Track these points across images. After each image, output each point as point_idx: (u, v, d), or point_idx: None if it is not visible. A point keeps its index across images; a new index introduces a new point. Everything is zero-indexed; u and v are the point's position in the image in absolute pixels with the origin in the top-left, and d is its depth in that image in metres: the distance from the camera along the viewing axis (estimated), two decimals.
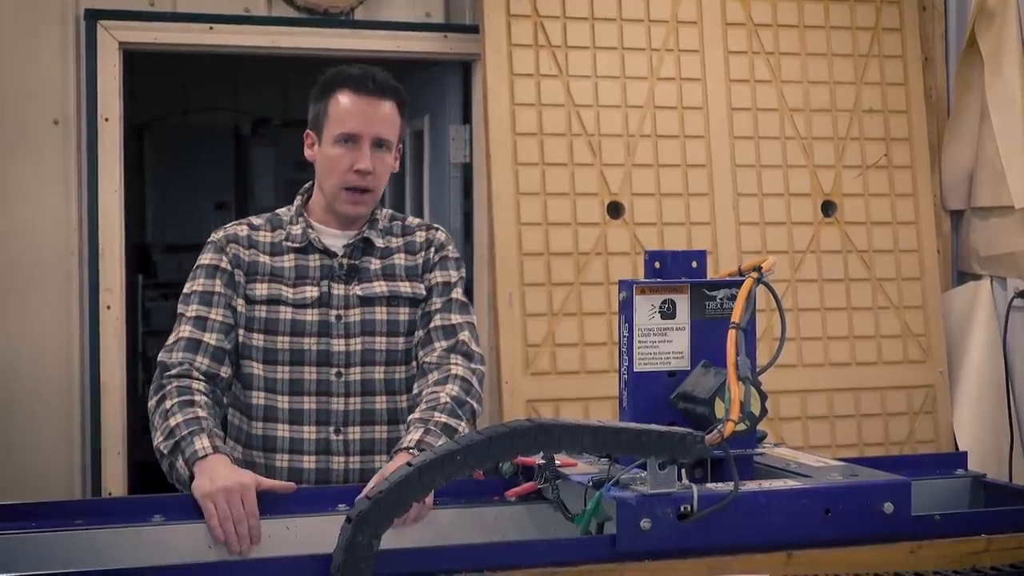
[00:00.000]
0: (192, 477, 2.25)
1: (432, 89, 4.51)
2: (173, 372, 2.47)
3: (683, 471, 1.90)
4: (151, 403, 2.48)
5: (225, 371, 2.53)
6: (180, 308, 2.58)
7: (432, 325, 2.59)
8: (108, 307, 3.93)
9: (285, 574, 1.74)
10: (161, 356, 2.53)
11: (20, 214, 3.93)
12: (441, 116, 4.48)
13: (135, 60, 4.35)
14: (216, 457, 2.29)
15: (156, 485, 2.93)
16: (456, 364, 2.54)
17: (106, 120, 3.95)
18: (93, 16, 3.93)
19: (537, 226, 3.97)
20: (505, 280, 3.92)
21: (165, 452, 2.36)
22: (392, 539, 1.70)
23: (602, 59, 4.07)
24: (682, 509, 1.82)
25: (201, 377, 2.48)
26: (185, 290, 2.59)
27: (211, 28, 4.05)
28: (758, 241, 4.14)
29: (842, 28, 4.29)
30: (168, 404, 2.42)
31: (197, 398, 2.44)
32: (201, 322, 2.53)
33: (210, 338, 2.51)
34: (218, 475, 2.21)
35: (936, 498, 2.28)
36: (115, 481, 3.92)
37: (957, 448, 4.04)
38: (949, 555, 1.92)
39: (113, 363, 3.98)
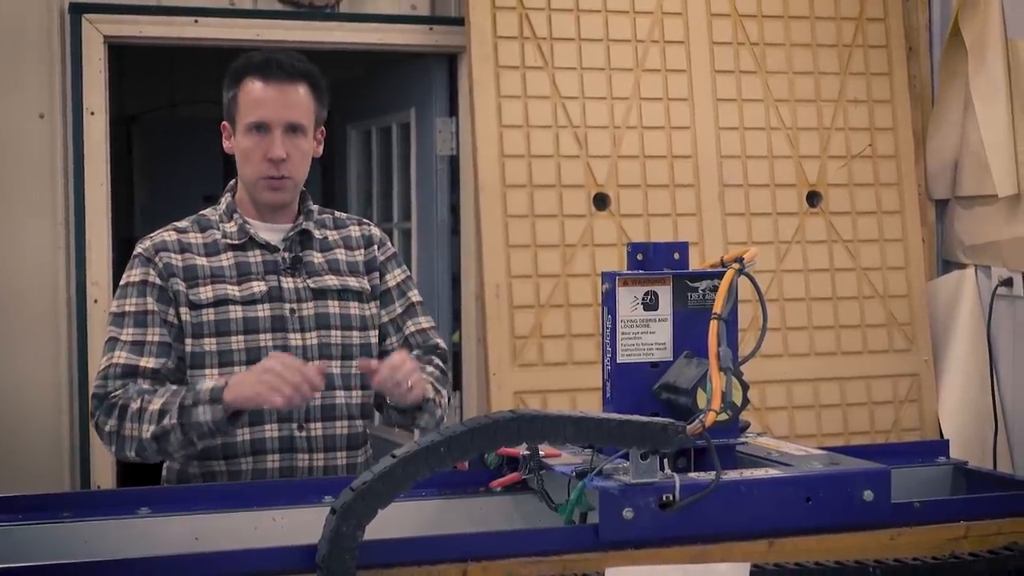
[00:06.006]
0: (226, 414, 2.27)
1: (418, 82, 4.51)
2: (118, 393, 2.41)
3: (666, 461, 1.92)
4: (110, 424, 2.39)
5: None
6: (112, 331, 2.49)
7: (408, 331, 2.63)
8: (95, 301, 3.93)
9: (271, 565, 1.75)
10: (96, 387, 2.45)
11: (5, 208, 3.93)
12: (427, 109, 4.48)
13: (123, 53, 4.35)
14: (236, 375, 2.31)
15: (145, 479, 2.94)
16: (434, 361, 2.64)
17: (92, 114, 3.95)
18: (78, 10, 3.93)
19: (524, 218, 3.98)
20: (492, 272, 3.93)
21: (173, 422, 2.31)
22: (376, 530, 1.71)
23: (587, 51, 4.08)
24: (664, 498, 1.83)
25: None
26: (115, 309, 2.51)
27: (196, 21, 4.05)
28: (744, 232, 4.16)
29: (826, 18, 4.31)
30: (135, 405, 2.37)
31: (160, 388, 2.40)
32: (138, 347, 2.45)
33: (147, 361, 2.44)
34: (250, 375, 2.27)
35: (918, 485, 2.30)
36: (104, 474, 3.93)
37: (942, 436, 4.07)
38: (928, 542, 1.94)
39: (101, 357, 3.97)
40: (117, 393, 2.42)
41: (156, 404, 2.36)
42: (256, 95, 2.50)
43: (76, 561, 1.80)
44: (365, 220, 2.73)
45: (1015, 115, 3.94)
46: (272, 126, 2.49)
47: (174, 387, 2.41)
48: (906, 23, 4.37)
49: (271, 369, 2.24)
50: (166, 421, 2.33)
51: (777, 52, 4.25)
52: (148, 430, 2.35)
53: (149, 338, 2.47)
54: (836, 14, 4.31)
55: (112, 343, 2.49)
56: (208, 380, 2.36)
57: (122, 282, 2.55)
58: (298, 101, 2.51)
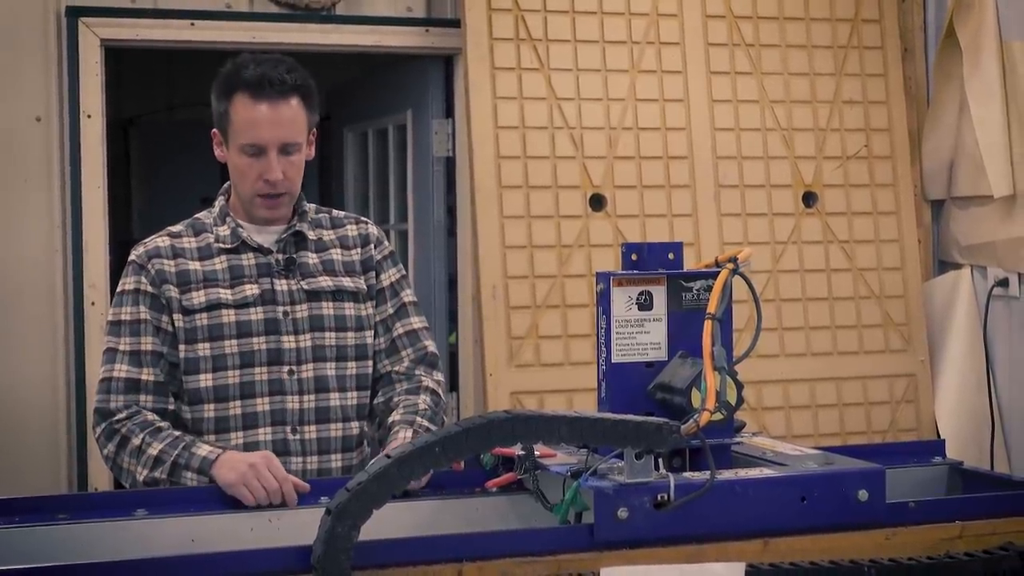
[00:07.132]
0: (211, 482, 2.26)
1: (414, 83, 4.52)
2: (122, 415, 2.42)
3: (661, 460, 1.92)
4: (109, 448, 2.42)
5: (171, 405, 2.48)
6: (110, 340, 2.50)
7: (396, 333, 2.61)
8: (92, 303, 3.93)
9: (267, 565, 1.75)
10: (99, 402, 2.46)
11: (3, 211, 3.93)
12: (423, 110, 4.48)
13: (120, 56, 4.35)
14: (227, 453, 2.29)
15: None
16: (424, 376, 2.60)
17: (88, 117, 3.95)
18: (74, 13, 3.93)
19: (520, 219, 3.99)
20: (489, 273, 3.93)
21: (164, 476, 2.33)
22: (371, 530, 1.71)
23: (583, 52, 4.09)
24: (659, 498, 1.84)
25: (152, 413, 2.44)
26: (111, 317, 2.52)
27: (192, 24, 4.05)
28: (740, 232, 4.16)
29: (822, 19, 4.31)
30: (136, 441, 2.38)
31: (162, 424, 2.42)
32: (135, 357, 2.46)
33: (148, 374, 2.45)
34: (238, 461, 2.23)
35: (914, 486, 2.31)
36: (100, 476, 3.92)
37: (939, 436, 4.07)
38: (923, 541, 1.94)
39: (98, 359, 3.95)
40: (121, 417, 2.43)
41: (154, 449, 2.36)
42: (249, 115, 2.46)
43: (73, 563, 1.81)
44: (363, 219, 2.71)
45: (1010, 116, 3.94)
46: (268, 148, 2.46)
47: (176, 433, 2.41)
48: (901, 24, 4.38)
49: (256, 467, 2.20)
50: (158, 473, 2.35)
51: (773, 53, 4.26)
52: (142, 473, 2.37)
53: (143, 347, 2.47)
54: (831, 15, 4.32)
55: (111, 354, 2.49)
56: (200, 447, 2.34)
57: (117, 290, 2.55)
58: (291, 117, 2.48)
